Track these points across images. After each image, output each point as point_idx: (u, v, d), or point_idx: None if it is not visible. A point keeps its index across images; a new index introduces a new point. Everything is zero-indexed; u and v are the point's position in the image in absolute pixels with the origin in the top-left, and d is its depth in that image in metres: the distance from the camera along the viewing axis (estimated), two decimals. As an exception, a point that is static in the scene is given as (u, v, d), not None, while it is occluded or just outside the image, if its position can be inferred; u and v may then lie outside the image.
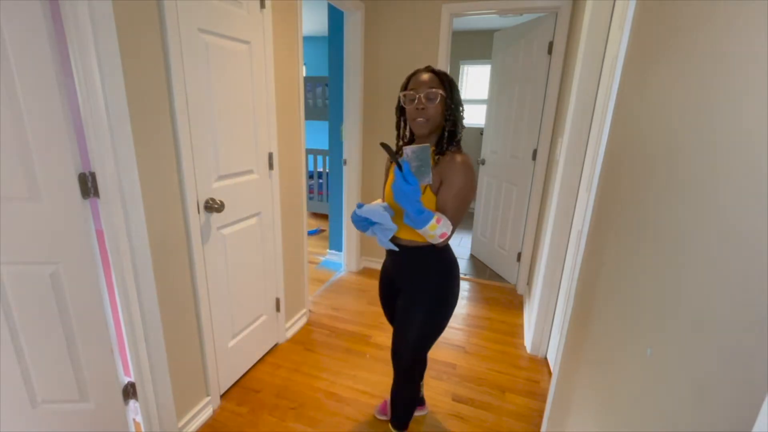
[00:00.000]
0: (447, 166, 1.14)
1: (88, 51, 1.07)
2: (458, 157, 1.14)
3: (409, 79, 1.18)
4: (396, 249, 1.23)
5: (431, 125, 1.15)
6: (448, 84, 1.15)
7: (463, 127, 1.21)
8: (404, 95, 1.16)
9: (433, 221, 1.07)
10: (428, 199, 1.15)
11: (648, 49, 0.90)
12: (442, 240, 1.13)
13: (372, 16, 2.76)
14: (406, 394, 1.43)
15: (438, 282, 1.27)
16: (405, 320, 1.30)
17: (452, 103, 1.16)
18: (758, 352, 0.42)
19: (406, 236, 1.23)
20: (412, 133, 1.24)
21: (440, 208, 1.15)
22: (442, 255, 1.26)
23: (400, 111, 1.24)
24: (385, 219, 1.13)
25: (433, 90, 1.12)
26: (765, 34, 0.47)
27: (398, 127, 1.26)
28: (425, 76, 1.14)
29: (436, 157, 1.18)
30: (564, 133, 1.90)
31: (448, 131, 1.18)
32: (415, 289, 1.29)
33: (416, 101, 1.12)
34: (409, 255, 1.26)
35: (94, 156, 1.16)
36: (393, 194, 1.05)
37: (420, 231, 1.10)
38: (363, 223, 1.18)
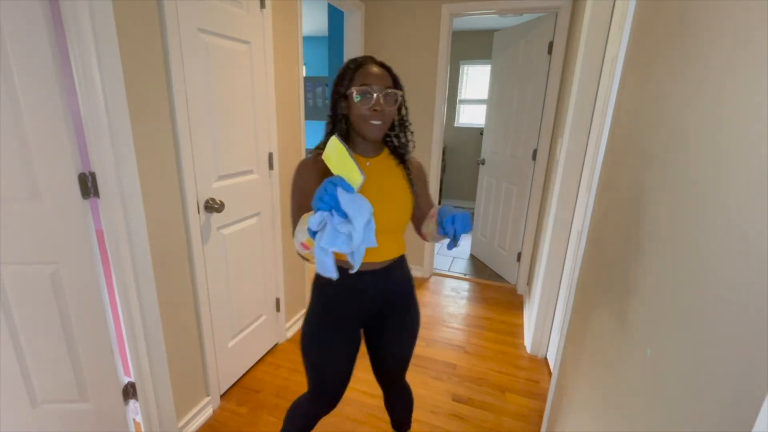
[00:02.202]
0: (417, 169, 1.14)
1: (88, 51, 1.07)
2: (415, 160, 1.15)
3: (354, 70, 0.98)
4: (335, 277, 0.77)
5: (385, 129, 1.01)
6: (398, 82, 1.03)
7: (411, 132, 1.12)
8: (357, 91, 0.95)
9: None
10: (405, 202, 1.07)
11: (648, 49, 0.90)
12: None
13: (372, 16, 2.76)
14: (409, 401, 1.41)
15: (414, 291, 1.22)
16: (401, 341, 1.21)
17: (406, 108, 1.07)
18: (758, 352, 0.42)
19: (392, 254, 1.10)
20: (346, 127, 1.03)
21: (423, 205, 1.13)
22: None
23: (336, 105, 1.02)
24: (370, 231, 0.76)
25: (392, 91, 0.98)
26: (765, 33, 0.47)
27: (334, 123, 1.04)
28: (379, 72, 0.98)
29: (403, 164, 1.10)
30: (564, 133, 1.90)
31: (399, 137, 1.09)
32: (407, 306, 1.19)
33: (374, 101, 0.96)
34: (398, 269, 1.14)
35: (94, 156, 1.16)
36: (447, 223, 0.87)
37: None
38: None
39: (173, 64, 1.31)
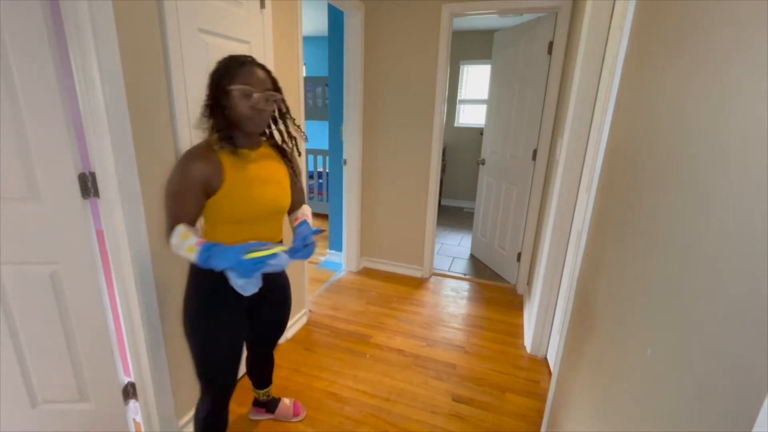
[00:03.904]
0: (294, 159, 1.27)
1: (88, 51, 1.07)
2: (293, 153, 1.27)
3: (237, 68, 1.04)
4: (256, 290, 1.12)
5: (264, 125, 1.12)
6: (277, 83, 1.13)
7: (297, 126, 1.27)
8: (240, 90, 1.02)
9: (310, 219, 1.29)
10: (287, 189, 1.22)
11: (648, 49, 0.90)
12: (310, 218, 1.31)
13: (372, 16, 2.76)
14: (272, 365, 1.63)
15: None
16: (279, 318, 1.41)
17: (286, 107, 1.19)
18: (758, 352, 0.42)
19: (279, 236, 1.29)
20: (226, 121, 1.07)
21: (298, 193, 1.30)
22: None
23: (216, 98, 1.05)
24: (284, 259, 1.09)
25: (271, 92, 1.07)
26: (765, 33, 0.47)
27: (213, 116, 1.06)
28: (261, 74, 1.07)
29: (283, 154, 1.24)
30: (564, 133, 1.90)
31: (282, 134, 1.23)
32: (283, 285, 1.39)
33: (256, 102, 1.04)
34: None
35: (94, 156, 1.16)
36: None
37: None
38: (257, 265, 1.02)
39: (173, 64, 1.31)
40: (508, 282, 3.12)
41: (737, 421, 0.44)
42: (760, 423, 0.37)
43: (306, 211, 1.32)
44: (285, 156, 1.24)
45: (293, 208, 1.31)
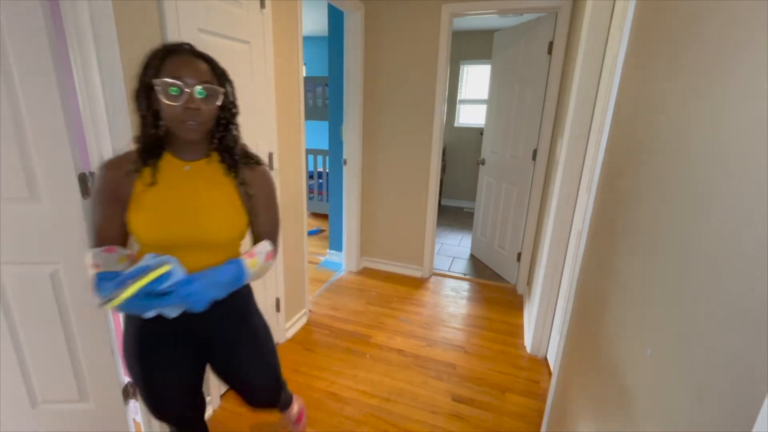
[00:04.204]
0: (260, 182, 1.00)
1: (88, 51, 1.07)
2: (261, 171, 1.01)
3: (162, 58, 0.83)
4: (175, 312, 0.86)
5: (204, 130, 0.89)
6: (224, 77, 0.91)
7: (239, 135, 0.99)
8: (165, 85, 0.81)
9: (248, 262, 0.92)
10: (230, 217, 0.95)
11: (648, 49, 0.90)
12: (271, 261, 1.01)
13: (372, 16, 2.76)
14: (285, 395, 1.40)
15: (253, 302, 1.12)
16: (258, 363, 1.13)
17: (233, 105, 0.94)
18: (758, 352, 0.42)
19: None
20: (155, 124, 0.87)
21: (259, 225, 1.02)
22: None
23: (146, 100, 0.85)
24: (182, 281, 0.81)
25: (210, 86, 0.85)
26: (765, 33, 0.47)
27: (144, 121, 0.88)
28: (199, 65, 0.86)
29: (233, 171, 0.96)
30: (564, 133, 1.90)
31: (224, 142, 0.95)
32: (240, 313, 1.07)
33: (187, 98, 0.82)
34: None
35: (94, 156, 1.16)
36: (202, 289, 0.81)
37: (249, 280, 0.96)
38: (148, 302, 0.77)
39: (173, 64, 1.31)
40: (508, 282, 3.12)
41: (737, 421, 0.44)
42: (760, 423, 0.37)
43: (259, 249, 0.97)
44: (235, 174, 0.96)
45: (256, 240, 1.04)
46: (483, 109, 4.39)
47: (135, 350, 0.99)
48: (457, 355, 2.18)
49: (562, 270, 1.97)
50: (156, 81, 0.81)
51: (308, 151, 4.33)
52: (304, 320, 2.46)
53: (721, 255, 0.51)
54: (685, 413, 0.55)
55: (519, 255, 2.94)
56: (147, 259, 0.80)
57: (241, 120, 1.76)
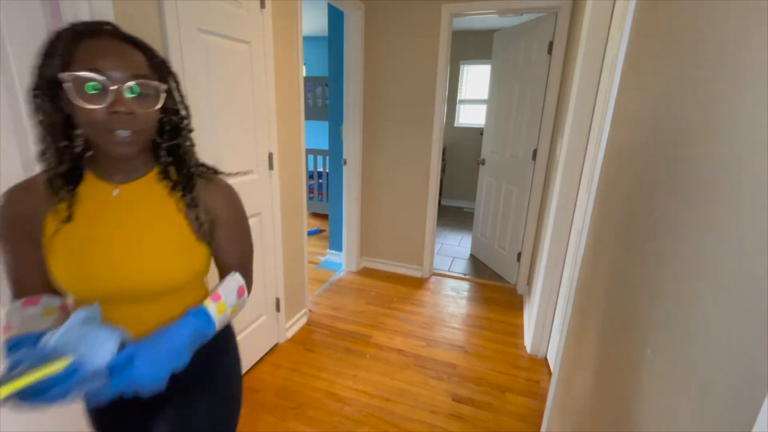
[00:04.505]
0: (212, 199, 0.76)
1: (88, 51, 1.07)
2: (222, 186, 0.80)
3: (71, 42, 0.58)
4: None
5: (142, 141, 0.65)
6: (165, 68, 0.67)
7: (192, 144, 0.76)
8: (79, 80, 0.57)
9: (213, 308, 0.70)
10: (178, 252, 0.71)
11: (648, 49, 0.90)
12: (244, 297, 0.79)
13: (372, 16, 2.76)
14: None
15: (228, 359, 0.88)
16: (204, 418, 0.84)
17: (181, 105, 0.72)
18: (758, 352, 0.42)
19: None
20: (63, 133, 0.64)
21: (223, 256, 0.80)
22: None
23: (51, 102, 0.60)
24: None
25: (145, 81, 0.61)
26: (765, 33, 0.47)
27: (53, 135, 0.63)
28: (124, 50, 0.61)
29: (179, 188, 0.73)
30: (564, 133, 1.90)
31: (173, 155, 0.72)
32: (209, 366, 0.83)
33: (113, 99, 0.58)
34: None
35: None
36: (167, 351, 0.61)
37: (218, 329, 0.72)
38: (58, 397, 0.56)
39: (173, 64, 1.30)
40: (508, 282, 3.12)
41: (737, 421, 0.44)
42: (760, 423, 0.37)
43: (225, 287, 0.75)
44: (184, 195, 0.72)
45: (222, 273, 0.82)
46: (483, 109, 4.39)
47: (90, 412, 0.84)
48: (457, 355, 2.18)
49: (562, 270, 1.97)
50: (64, 75, 0.57)
51: (308, 151, 4.32)
52: (304, 320, 2.46)
53: (720, 255, 0.51)
54: (685, 413, 0.55)
55: (519, 255, 2.94)
56: (73, 321, 0.58)
57: (241, 120, 1.74)
